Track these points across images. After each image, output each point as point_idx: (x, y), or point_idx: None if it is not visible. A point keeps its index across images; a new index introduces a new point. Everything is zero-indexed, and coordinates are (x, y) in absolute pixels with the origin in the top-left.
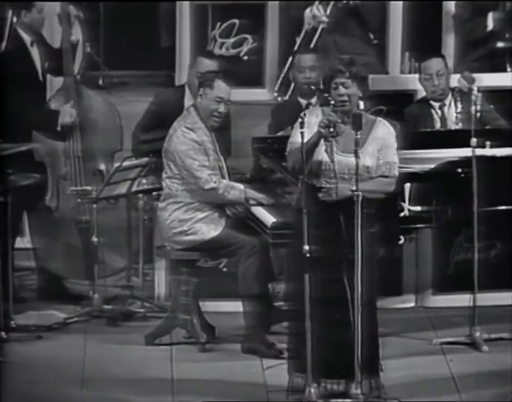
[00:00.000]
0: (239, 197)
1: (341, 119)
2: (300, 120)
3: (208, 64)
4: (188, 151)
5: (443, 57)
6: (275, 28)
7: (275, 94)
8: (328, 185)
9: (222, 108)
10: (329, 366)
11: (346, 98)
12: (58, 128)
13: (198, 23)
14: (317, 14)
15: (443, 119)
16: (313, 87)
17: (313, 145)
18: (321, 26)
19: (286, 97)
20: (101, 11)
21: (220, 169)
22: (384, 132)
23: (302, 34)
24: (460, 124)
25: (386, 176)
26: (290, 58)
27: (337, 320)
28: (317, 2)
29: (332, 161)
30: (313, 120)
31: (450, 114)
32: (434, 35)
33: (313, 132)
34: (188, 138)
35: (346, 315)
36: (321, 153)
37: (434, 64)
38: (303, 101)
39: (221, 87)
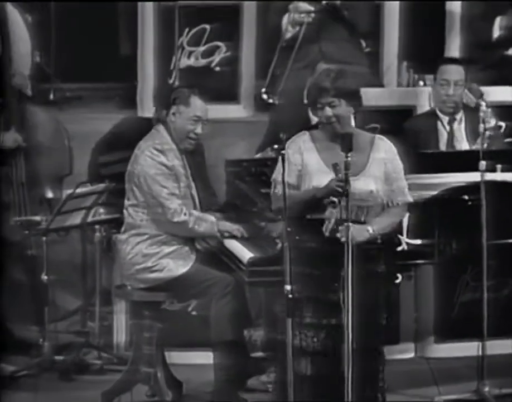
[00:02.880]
0: (211, 231)
1: (332, 140)
2: (281, 157)
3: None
4: (157, 176)
5: (463, 65)
6: (252, 34)
7: (264, 96)
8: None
9: (199, 129)
10: None
11: (334, 120)
12: None
13: (163, 28)
14: (296, 17)
15: (451, 136)
16: None
17: (310, 204)
18: (303, 29)
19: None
20: (52, 14)
21: (191, 197)
22: (386, 150)
23: (279, 46)
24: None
25: (396, 205)
26: (270, 73)
27: (328, 374)
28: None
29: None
30: (300, 145)
31: (460, 131)
32: (436, 41)
33: (299, 159)
34: (157, 161)
35: (338, 369)
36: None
37: (455, 71)
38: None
39: (197, 104)
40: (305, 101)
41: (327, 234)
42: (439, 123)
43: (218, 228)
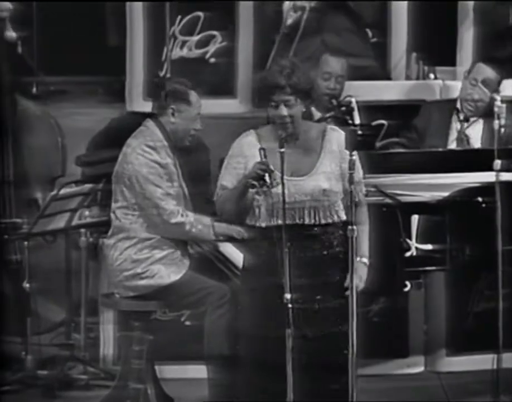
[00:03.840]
0: (208, 234)
1: (285, 140)
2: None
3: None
4: (150, 175)
5: (500, 71)
6: (249, 23)
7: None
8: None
9: (199, 124)
10: None
11: (288, 120)
12: None
13: (153, 17)
14: (298, 2)
15: (461, 135)
16: (334, 101)
17: (240, 194)
18: (305, 16)
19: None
20: (34, 2)
21: (184, 198)
22: (339, 142)
23: (280, 33)
24: None
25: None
26: (269, 64)
27: (330, 391)
28: None
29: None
30: (244, 149)
31: (475, 133)
32: (448, 31)
33: (242, 163)
34: (149, 159)
35: (341, 385)
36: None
37: (491, 76)
38: (317, 114)
39: (196, 101)
40: (256, 97)
41: (260, 224)
42: (455, 116)
43: (214, 230)
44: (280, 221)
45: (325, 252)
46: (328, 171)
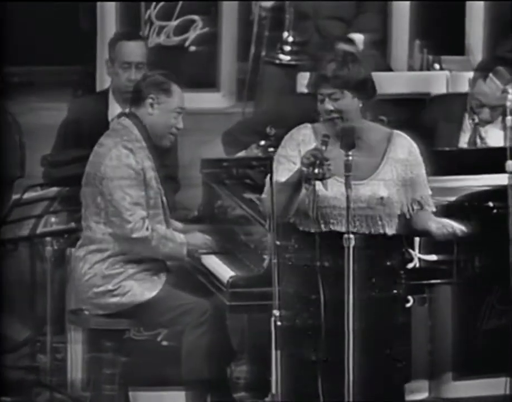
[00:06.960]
0: (179, 254)
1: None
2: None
3: (134, 49)
4: (121, 180)
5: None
6: (233, 6)
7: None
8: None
9: (181, 123)
10: None
11: (335, 115)
12: None
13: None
14: (262, 4)
15: (474, 135)
16: None
17: (294, 187)
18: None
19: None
20: None
21: (162, 206)
22: (406, 150)
23: (255, 29)
24: None
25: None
26: (252, 51)
27: None
28: None
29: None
30: (299, 142)
31: (495, 134)
32: (455, 16)
33: (297, 157)
34: (124, 163)
35: None
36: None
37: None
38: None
39: (178, 94)
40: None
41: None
42: (467, 114)
43: (189, 248)
44: (333, 228)
45: (371, 266)
46: (388, 179)
